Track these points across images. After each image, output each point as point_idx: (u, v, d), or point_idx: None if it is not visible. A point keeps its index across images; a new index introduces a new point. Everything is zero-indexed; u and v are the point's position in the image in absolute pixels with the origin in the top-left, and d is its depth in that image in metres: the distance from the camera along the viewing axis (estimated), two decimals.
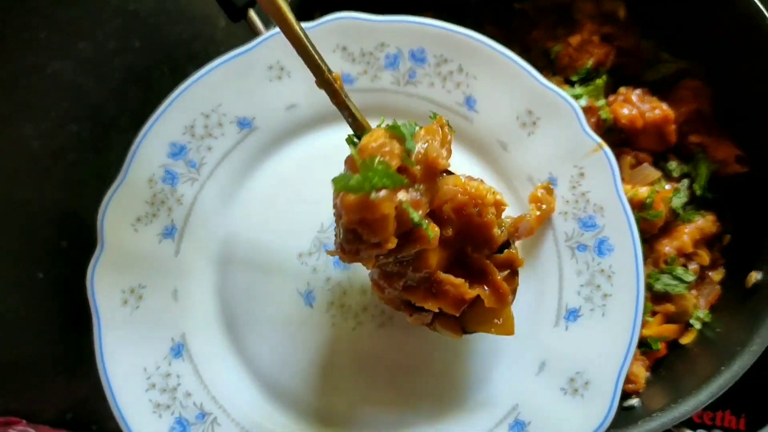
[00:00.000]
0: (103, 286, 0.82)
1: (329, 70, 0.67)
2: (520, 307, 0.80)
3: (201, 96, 0.84)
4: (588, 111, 1.00)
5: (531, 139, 0.84)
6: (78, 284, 1.28)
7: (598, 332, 0.81)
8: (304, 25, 0.80)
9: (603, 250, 0.82)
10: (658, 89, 1.08)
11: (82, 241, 1.31)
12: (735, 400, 1.16)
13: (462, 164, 0.86)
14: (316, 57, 0.67)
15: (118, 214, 0.83)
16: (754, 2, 0.95)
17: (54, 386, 1.25)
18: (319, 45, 0.77)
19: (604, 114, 1.01)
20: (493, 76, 0.84)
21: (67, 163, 1.34)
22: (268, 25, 0.98)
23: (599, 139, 0.81)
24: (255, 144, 0.87)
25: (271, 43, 0.84)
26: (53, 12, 1.39)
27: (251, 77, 0.84)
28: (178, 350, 0.84)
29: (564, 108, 0.82)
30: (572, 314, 0.82)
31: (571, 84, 1.06)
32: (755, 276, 0.99)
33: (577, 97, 1.00)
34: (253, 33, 1.00)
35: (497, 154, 0.86)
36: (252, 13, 0.99)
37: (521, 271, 0.76)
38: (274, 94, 0.86)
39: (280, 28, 0.65)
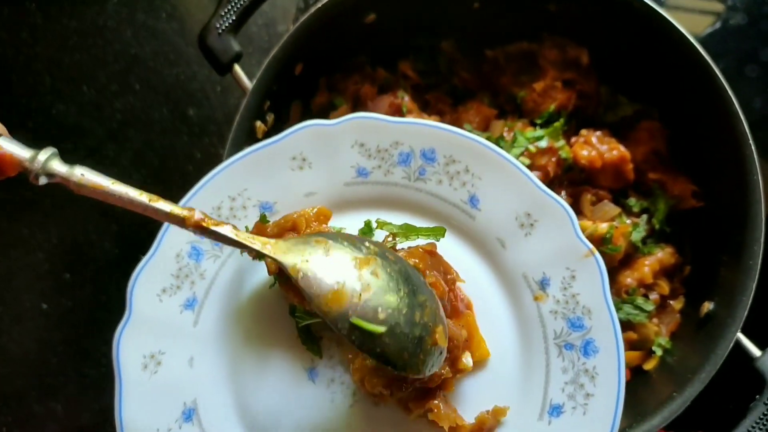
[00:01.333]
0: (127, 350, 0.87)
1: (183, 212, 0.73)
2: (509, 396, 0.87)
3: (229, 180, 0.91)
4: (548, 151, 1.07)
5: (528, 239, 0.89)
6: (79, 316, 1.36)
7: (578, 430, 0.85)
8: (327, 122, 0.90)
9: (588, 351, 0.86)
10: (618, 130, 1.15)
11: (84, 274, 1.39)
12: (706, 421, 1.21)
13: (463, 258, 0.92)
14: (163, 214, 0.74)
15: (147, 284, 0.88)
16: (695, 48, 1.02)
17: (54, 416, 1.31)
18: (340, 140, 0.90)
19: (564, 153, 1.08)
20: (496, 179, 0.89)
21: (69, 200, 1.41)
22: (252, 79, 1.06)
23: (591, 246, 0.86)
24: None
25: (296, 136, 0.91)
26: (58, 57, 1.47)
27: (276, 165, 0.91)
28: (189, 414, 0.89)
29: (560, 213, 0.87)
30: (556, 410, 0.86)
31: (535, 126, 1.13)
32: (707, 306, 1.05)
33: (538, 138, 1.07)
34: (239, 86, 1.08)
35: (496, 250, 0.91)
36: (237, 68, 1.07)
37: (514, 360, 0.88)
38: (295, 181, 0.92)
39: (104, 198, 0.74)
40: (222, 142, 1.45)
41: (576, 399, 0.85)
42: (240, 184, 0.91)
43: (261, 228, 0.86)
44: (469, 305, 0.90)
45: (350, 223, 0.91)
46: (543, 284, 0.88)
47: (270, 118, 1.11)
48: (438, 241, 0.87)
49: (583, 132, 1.12)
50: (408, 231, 0.88)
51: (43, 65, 1.46)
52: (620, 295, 1.10)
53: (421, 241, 0.86)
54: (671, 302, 1.13)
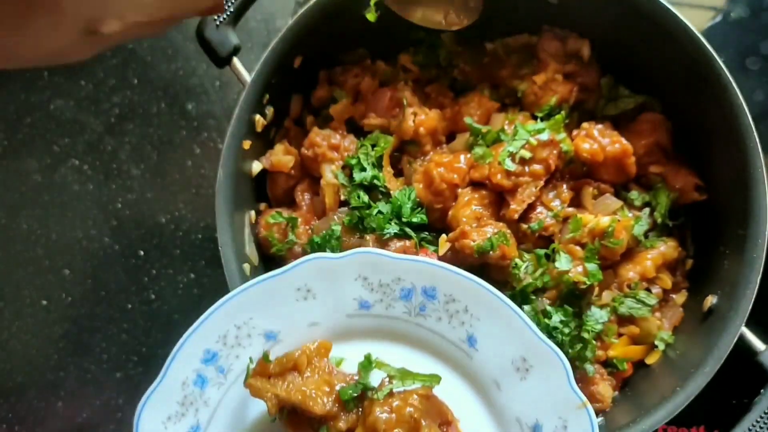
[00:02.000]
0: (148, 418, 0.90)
1: None
2: None
3: (236, 309, 0.92)
4: (549, 144, 1.06)
5: (523, 383, 0.91)
6: (79, 312, 1.36)
7: None
8: (333, 255, 0.94)
9: None
10: (620, 123, 1.14)
11: (84, 270, 1.39)
12: (708, 416, 1.21)
13: (460, 395, 0.94)
14: None
15: (153, 411, 0.90)
16: (700, 40, 1.01)
17: (55, 411, 1.32)
18: (344, 273, 0.93)
19: (565, 146, 1.07)
20: (494, 321, 0.92)
21: (69, 196, 1.41)
22: (251, 72, 1.05)
23: (584, 398, 0.88)
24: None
25: (301, 268, 0.93)
26: None
27: (281, 296, 0.93)
28: None
29: (555, 362, 0.89)
30: None
31: (536, 119, 1.12)
32: (711, 300, 1.04)
33: (539, 131, 1.06)
34: (238, 80, 1.08)
35: (491, 391, 0.93)
36: (236, 61, 1.07)
37: None
38: (299, 312, 0.95)
39: None
40: (221, 136, 1.45)
41: None
42: (246, 314, 0.93)
43: (264, 366, 0.89)
44: None
45: (351, 354, 0.94)
46: (535, 430, 0.91)
47: (269, 111, 1.11)
48: (433, 387, 0.90)
49: (585, 125, 1.11)
50: (404, 375, 0.90)
51: None
52: (622, 289, 1.09)
53: (418, 386, 0.89)
54: (673, 296, 1.13)
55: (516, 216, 1.05)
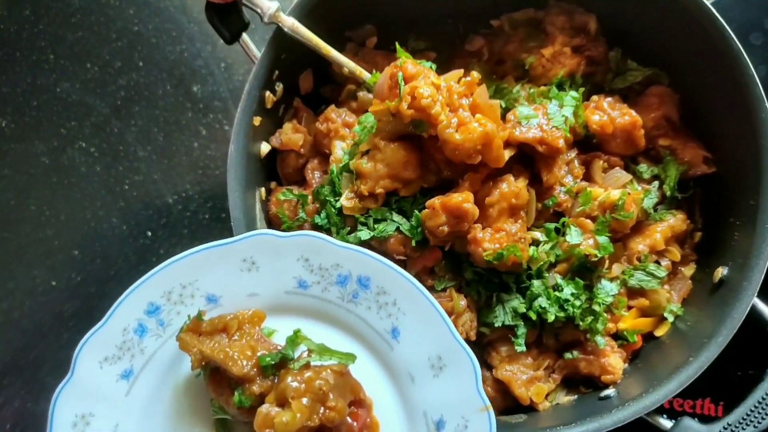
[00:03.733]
0: (62, 407, 0.94)
1: None
2: None
3: (184, 269, 0.98)
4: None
5: (435, 380, 0.96)
6: (89, 291, 1.37)
7: None
8: (280, 234, 0.97)
9: None
10: (628, 96, 1.14)
11: (93, 250, 1.39)
12: (713, 388, 1.22)
13: (376, 382, 0.99)
14: None
15: (92, 351, 0.95)
16: (711, 11, 1.00)
17: None
18: (288, 252, 0.98)
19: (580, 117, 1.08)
20: (419, 318, 0.96)
21: (76, 178, 1.41)
22: (260, 48, 1.05)
23: (488, 402, 0.92)
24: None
25: (250, 241, 0.97)
26: (61, 34, 1.46)
27: (227, 264, 0.98)
28: None
29: (466, 364, 0.93)
30: None
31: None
32: (721, 271, 1.05)
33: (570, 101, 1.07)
34: (247, 56, 1.08)
35: (406, 383, 0.98)
36: (245, 37, 1.06)
37: None
38: (242, 281, 1.00)
39: None
40: (227, 117, 1.46)
41: None
42: (193, 275, 0.98)
43: (197, 324, 0.94)
44: (376, 428, 0.97)
45: (282, 327, 0.99)
46: (438, 426, 0.96)
47: (279, 88, 1.10)
48: (348, 365, 0.95)
49: (594, 98, 1.11)
50: (323, 351, 0.95)
51: (46, 42, 1.45)
52: (632, 262, 1.10)
53: (334, 362, 0.94)
54: (682, 269, 1.13)
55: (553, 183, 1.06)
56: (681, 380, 0.98)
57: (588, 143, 1.12)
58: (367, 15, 1.18)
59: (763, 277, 0.98)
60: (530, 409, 1.08)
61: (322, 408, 0.88)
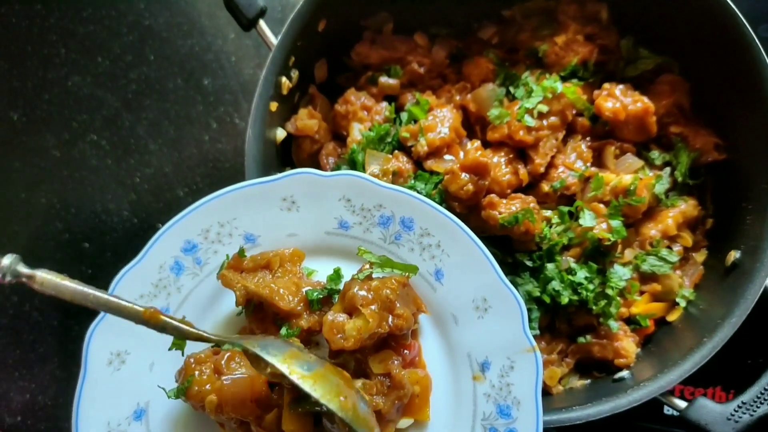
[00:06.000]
0: (97, 344, 0.94)
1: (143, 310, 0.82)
2: None
3: (222, 207, 0.97)
4: (562, 96, 1.09)
5: (479, 322, 0.95)
6: (99, 284, 1.36)
7: None
8: (322, 173, 0.96)
9: None
10: (639, 84, 1.15)
11: (104, 243, 1.39)
12: (724, 376, 1.22)
13: (419, 324, 0.98)
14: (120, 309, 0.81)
15: (127, 288, 0.95)
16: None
17: (76, 381, 1.31)
18: (330, 192, 0.97)
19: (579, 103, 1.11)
20: (464, 260, 0.95)
21: (87, 171, 1.42)
22: (277, 35, 1.06)
23: (534, 343, 0.92)
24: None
25: (291, 180, 0.96)
26: (72, 28, 1.46)
27: (267, 202, 0.97)
28: (140, 414, 0.95)
29: (513, 305, 0.92)
30: None
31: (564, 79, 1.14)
32: (734, 255, 1.06)
33: (553, 86, 1.09)
34: (264, 43, 1.09)
35: (448, 324, 0.97)
36: (262, 24, 1.08)
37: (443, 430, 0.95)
38: (281, 221, 0.99)
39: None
40: (238, 111, 1.46)
41: None
42: (231, 213, 0.97)
43: (238, 261, 0.93)
44: (424, 366, 0.96)
45: (321, 267, 0.98)
46: (484, 367, 0.95)
47: (295, 74, 1.12)
48: (410, 277, 0.93)
49: (606, 85, 1.12)
50: (385, 263, 0.94)
51: (57, 36, 1.46)
52: (644, 247, 1.11)
53: (397, 273, 0.93)
54: (694, 254, 1.14)
55: (541, 170, 1.07)
56: (695, 360, 0.98)
57: (600, 130, 1.13)
58: (378, 5, 1.19)
59: None
60: (544, 392, 1.08)
61: (390, 316, 0.88)
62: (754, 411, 0.95)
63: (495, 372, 0.93)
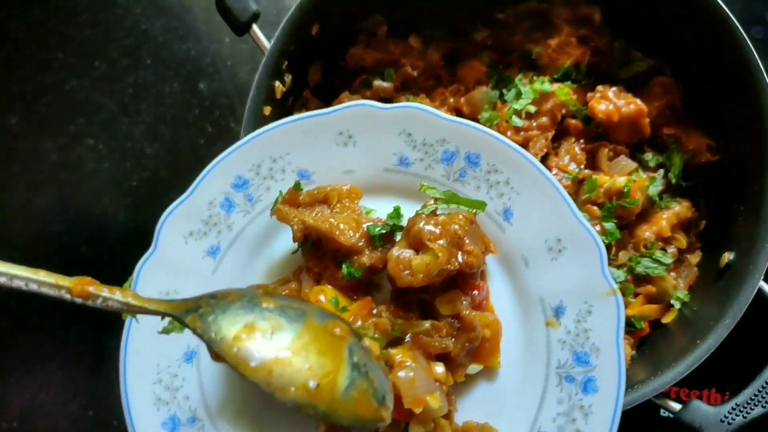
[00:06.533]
0: (146, 282, 0.89)
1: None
2: (501, 413, 0.89)
3: (274, 142, 0.91)
4: (552, 96, 1.10)
5: (553, 264, 0.88)
6: None
7: None
8: (381, 105, 0.90)
9: (588, 389, 0.85)
10: (632, 86, 1.15)
11: (102, 248, 1.40)
12: (719, 378, 1.22)
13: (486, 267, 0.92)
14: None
15: (176, 224, 0.91)
16: (714, 1, 1.02)
17: (74, 382, 1.33)
18: (389, 125, 0.90)
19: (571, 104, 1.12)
20: (535, 198, 0.89)
21: (84, 175, 1.42)
22: (271, 39, 1.06)
23: (615, 285, 0.85)
24: None
25: (347, 112, 0.91)
26: (70, 33, 1.47)
27: (322, 137, 0.92)
28: (191, 357, 0.91)
29: (591, 246, 0.86)
30: None
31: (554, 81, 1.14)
32: (728, 256, 1.06)
33: (542, 86, 1.10)
34: (257, 46, 1.09)
35: (518, 267, 0.91)
36: (255, 28, 1.08)
37: (515, 378, 0.89)
38: (337, 156, 0.93)
39: None
40: (233, 114, 1.47)
41: None
42: (284, 148, 0.92)
43: (294, 195, 0.87)
44: (492, 310, 0.90)
45: (380, 206, 0.92)
46: (558, 312, 0.88)
47: (288, 78, 1.12)
48: (477, 213, 0.88)
49: (599, 88, 1.13)
50: (450, 198, 0.88)
51: (55, 41, 1.46)
52: (638, 249, 1.11)
53: (463, 209, 0.87)
54: (688, 256, 1.14)
55: None
56: (689, 363, 0.98)
57: (594, 132, 1.13)
58: (372, 9, 1.19)
59: None
60: None
61: (459, 253, 0.82)
62: (748, 413, 0.95)
63: (570, 317, 0.87)
